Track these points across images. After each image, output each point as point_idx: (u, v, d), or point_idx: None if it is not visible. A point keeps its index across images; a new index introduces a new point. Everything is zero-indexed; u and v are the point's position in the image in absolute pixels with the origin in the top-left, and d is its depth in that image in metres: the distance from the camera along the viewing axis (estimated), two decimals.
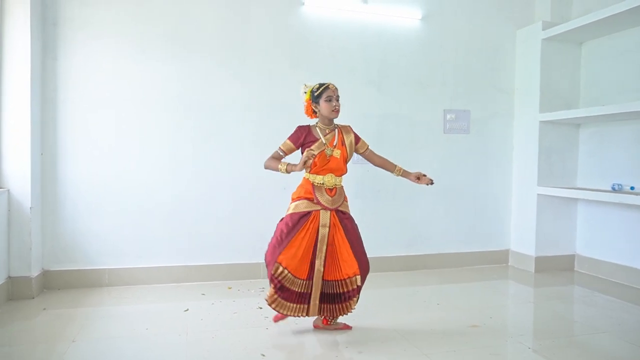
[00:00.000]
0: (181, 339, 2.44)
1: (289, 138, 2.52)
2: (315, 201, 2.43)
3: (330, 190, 2.46)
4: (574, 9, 4.11)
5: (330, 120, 2.52)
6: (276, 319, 2.61)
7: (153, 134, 3.43)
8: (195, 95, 3.50)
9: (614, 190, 3.68)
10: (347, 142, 2.53)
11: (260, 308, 2.90)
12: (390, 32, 3.91)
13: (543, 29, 3.93)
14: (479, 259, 4.21)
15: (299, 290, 2.42)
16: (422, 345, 2.40)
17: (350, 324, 2.62)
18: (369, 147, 2.63)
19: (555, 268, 4.07)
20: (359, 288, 2.45)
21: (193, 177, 3.51)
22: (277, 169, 2.46)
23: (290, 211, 2.46)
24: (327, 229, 2.43)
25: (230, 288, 3.39)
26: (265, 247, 2.50)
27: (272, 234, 2.47)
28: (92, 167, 3.33)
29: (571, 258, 4.13)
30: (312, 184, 2.46)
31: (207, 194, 3.54)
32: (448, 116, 4.08)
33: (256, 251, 3.53)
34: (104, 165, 3.35)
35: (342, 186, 2.52)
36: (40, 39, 3.17)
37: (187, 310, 2.89)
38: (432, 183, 2.57)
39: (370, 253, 3.82)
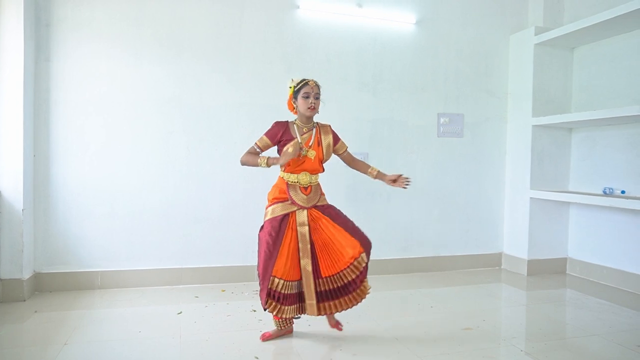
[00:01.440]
0: (174, 342, 2.43)
1: (265, 134, 2.47)
2: (290, 201, 2.41)
3: (305, 188, 2.44)
4: (566, 15, 4.15)
5: (309, 118, 2.48)
6: (264, 338, 2.47)
7: (146, 136, 3.42)
8: (188, 98, 3.49)
9: (605, 194, 3.72)
10: (324, 143, 2.49)
11: (254, 311, 2.89)
12: (384, 37, 3.93)
13: (535, 34, 3.97)
14: (472, 262, 4.23)
15: (295, 292, 2.40)
16: (416, 348, 2.41)
17: (343, 326, 2.61)
18: (348, 149, 2.61)
19: (548, 271, 4.10)
20: (367, 267, 2.39)
21: (186, 179, 3.50)
22: (256, 164, 2.40)
23: (268, 217, 2.42)
24: (306, 227, 2.40)
25: (223, 290, 3.38)
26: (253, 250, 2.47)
27: (258, 245, 2.42)
28: (85, 169, 3.32)
29: (563, 261, 4.17)
30: (287, 183, 2.44)
31: (200, 196, 3.53)
32: (442, 120, 4.11)
33: (249, 253, 3.53)
34: (96, 167, 3.34)
35: (318, 183, 2.51)
36: (33, 40, 3.16)
37: (181, 313, 2.88)
38: (407, 184, 2.49)
39: None
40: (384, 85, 3.95)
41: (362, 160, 2.72)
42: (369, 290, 2.45)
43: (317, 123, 2.54)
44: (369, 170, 2.55)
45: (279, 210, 2.41)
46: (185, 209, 3.50)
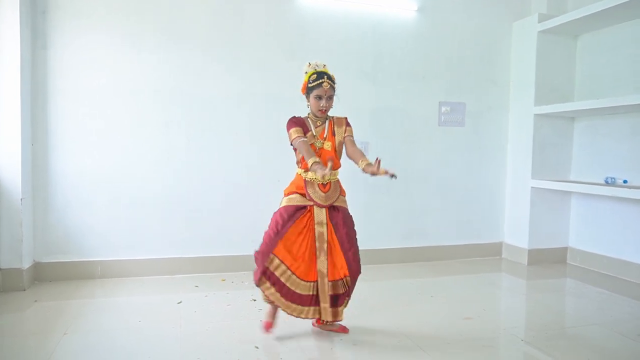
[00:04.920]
0: (174, 331, 2.43)
1: (293, 126, 2.30)
2: (307, 197, 2.31)
3: (324, 185, 2.32)
4: (569, 2, 4.10)
5: (317, 115, 2.38)
6: (267, 328, 2.38)
7: (146, 125, 3.39)
8: (188, 87, 3.46)
9: (607, 183, 3.70)
10: (337, 134, 2.39)
11: (254, 300, 2.89)
12: (386, 24, 3.88)
13: (539, 22, 3.92)
14: (473, 251, 4.22)
15: (308, 293, 2.31)
16: (416, 337, 2.41)
17: (346, 323, 2.57)
18: (352, 137, 2.43)
19: (548, 260, 4.09)
20: (348, 291, 2.34)
21: (186, 169, 3.48)
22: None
23: (284, 204, 2.33)
24: (325, 226, 2.31)
25: (223, 280, 3.38)
26: (259, 240, 2.39)
27: (267, 226, 2.34)
28: (84, 158, 3.29)
29: (564, 251, 4.16)
30: (305, 180, 2.33)
31: (200, 186, 3.52)
32: (443, 109, 4.07)
33: (250, 243, 3.46)
34: (96, 156, 3.31)
35: (337, 180, 2.40)
36: (29, 27, 3.12)
37: (181, 302, 2.88)
38: (386, 172, 2.18)
39: (364, 246, 3.83)
40: (384, 74, 3.90)
41: (362, 150, 2.49)
42: (340, 318, 2.37)
43: (332, 117, 2.44)
44: (360, 161, 2.28)
45: (296, 200, 2.31)
46: (186, 198, 3.49)
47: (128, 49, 3.32)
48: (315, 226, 2.31)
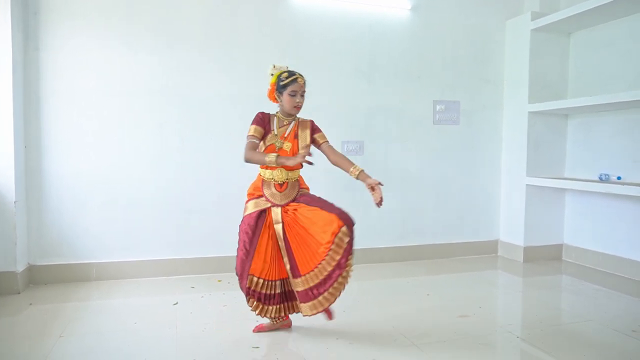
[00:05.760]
0: (170, 333, 2.42)
1: (254, 123, 2.32)
2: (264, 199, 2.31)
3: (280, 185, 2.31)
4: (562, 0, 4.11)
5: (292, 114, 2.36)
6: (256, 329, 2.45)
7: (140, 126, 3.38)
8: (182, 87, 3.45)
9: (601, 180, 3.71)
10: (301, 136, 2.33)
11: None
12: (379, 23, 3.88)
13: (532, 20, 3.93)
14: (469, 249, 4.23)
15: (279, 291, 2.36)
16: (412, 335, 2.41)
17: (338, 316, 2.55)
18: (329, 142, 2.39)
19: (544, 258, 4.11)
20: (351, 243, 2.19)
21: (180, 170, 3.47)
22: (262, 161, 2.20)
23: (246, 212, 2.34)
24: (280, 224, 2.29)
25: (219, 281, 3.37)
26: None
27: (237, 241, 2.34)
28: (78, 159, 3.28)
29: (559, 248, 4.18)
30: (262, 180, 2.33)
31: (195, 186, 3.51)
32: (438, 107, 4.08)
33: None
34: (89, 158, 3.30)
35: (296, 180, 2.35)
36: (21, 28, 3.10)
37: (177, 303, 2.87)
38: (380, 202, 2.20)
39: (360, 244, 3.84)
40: (379, 73, 3.91)
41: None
42: (348, 279, 2.25)
43: (298, 118, 2.40)
44: (351, 169, 2.26)
45: (251, 207, 2.32)
46: (180, 199, 3.48)
47: (122, 49, 3.31)
48: (274, 225, 2.31)
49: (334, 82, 3.80)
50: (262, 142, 2.32)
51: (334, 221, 2.16)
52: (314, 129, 2.39)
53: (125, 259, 3.38)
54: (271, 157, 2.18)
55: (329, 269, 2.19)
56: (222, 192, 3.55)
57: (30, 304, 2.83)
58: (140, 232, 3.41)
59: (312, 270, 2.23)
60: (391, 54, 3.93)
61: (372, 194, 2.22)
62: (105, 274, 3.34)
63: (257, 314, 2.39)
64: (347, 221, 2.19)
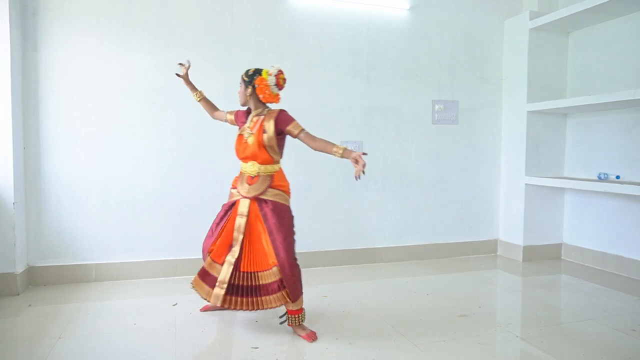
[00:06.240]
0: (170, 334, 2.42)
1: (232, 110, 2.68)
2: (236, 190, 2.46)
3: (252, 178, 2.39)
4: None
5: (255, 105, 2.46)
6: (204, 309, 2.71)
7: (137, 126, 3.38)
8: (179, 88, 3.43)
9: (600, 179, 3.72)
10: (266, 128, 2.36)
11: None
12: (378, 23, 3.88)
13: (530, 19, 3.94)
14: (468, 249, 4.23)
15: (216, 275, 2.42)
16: (412, 335, 2.41)
17: (337, 316, 2.59)
18: (305, 130, 2.37)
19: (543, 257, 4.11)
20: (281, 283, 2.29)
21: (178, 169, 3.47)
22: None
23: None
24: (244, 218, 2.35)
25: None
26: None
27: None
28: (77, 160, 3.27)
29: (558, 247, 4.18)
30: (240, 173, 2.49)
31: (193, 186, 3.50)
32: (436, 107, 4.08)
33: None
34: (88, 159, 3.29)
35: (269, 175, 2.40)
36: (19, 28, 3.09)
37: (176, 304, 2.87)
38: (358, 175, 2.18)
39: (359, 245, 3.91)
40: (377, 72, 3.91)
41: (333, 141, 2.41)
42: (271, 306, 2.30)
43: (268, 110, 2.45)
44: (334, 149, 2.26)
45: (229, 197, 2.51)
46: (179, 199, 3.47)
47: (119, 50, 3.31)
48: (237, 217, 2.39)
49: (332, 82, 3.80)
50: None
51: (272, 258, 2.30)
52: (284, 121, 2.38)
53: (124, 259, 3.38)
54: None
55: (261, 282, 2.32)
56: (220, 191, 3.54)
57: (30, 305, 2.83)
58: (139, 233, 3.40)
59: (251, 272, 2.34)
60: (390, 53, 3.93)
61: (355, 167, 2.19)
62: (105, 275, 3.34)
63: (193, 286, 2.52)
64: (282, 263, 2.28)
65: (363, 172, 2.18)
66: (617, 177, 3.66)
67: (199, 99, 2.80)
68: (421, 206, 4.09)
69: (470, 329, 2.52)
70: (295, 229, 2.42)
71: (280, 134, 2.38)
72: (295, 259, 2.35)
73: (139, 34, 3.34)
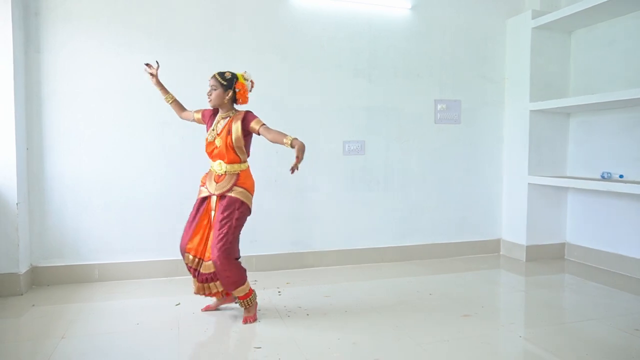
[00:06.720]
0: (173, 334, 2.42)
1: (202, 110, 2.72)
2: (205, 187, 2.56)
3: (219, 176, 2.51)
4: None
5: (226, 107, 2.56)
6: (205, 309, 2.75)
7: (140, 127, 3.38)
8: (181, 88, 3.42)
9: (603, 178, 3.70)
10: (233, 129, 2.49)
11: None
12: (379, 22, 3.88)
13: (533, 18, 3.92)
14: (471, 248, 4.23)
15: (214, 271, 2.53)
16: (415, 335, 2.41)
17: (340, 315, 2.59)
18: (264, 125, 2.47)
19: (546, 256, 4.10)
20: (214, 275, 2.49)
21: (180, 169, 3.47)
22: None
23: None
24: (213, 212, 2.53)
25: None
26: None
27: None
28: (79, 161, 3.28)
29: (561, 246, 4.17)
30: (209, 171, 2.59)
31: (195, 186, 3.47)
32: (439, 106, 4.08)
33: (246, 244, 3.49)
34: (91, 159, 3.30)
35: (235, 173, 2.52)
36: (22, 29, 3.10)
37: (179, 304, 2.87)
38: (294, 168, 2.30)
39: (362, 244, 3.90)
40: (379, 72, 3.90)
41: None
42: (212, 292, 2.57)
43: (235, 112, 2.57)
44: (284, 140, 2.34)
45: (200, 193, 2.60)
46: (182, 200, 3.47)
47: (120, 50, 3.31)
48: (211, 212, 2.54)
49: (334, 82, 3.80)
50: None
51: (210, 253, 2.47)
52: (248, 119, 2.50)
53: (127, 260, 3.38)
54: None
55: (210, 270, 2.51)
56: None
57: (33, 305, 2.84)
58: (142, 233, 3.41)
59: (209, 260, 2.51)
60: (391, 53, 3.93)
61: (296, 159, 2.31)
62: (108, 275, 3.34)
63: (200, 294, 2.61)
64: (213, 258, 2.42)
65: (297, 168, 2.31)
66: (621, 176, 3.64)
67: (170, 102, 2.81)
68: (423, 206, 4.09)
69: (473, 328, 2.51)
70: (243, 224, 2.53)
71: (247, 134, 2.52)
72: (231, 254, 2.45)
73: (139, 34, 3.35)
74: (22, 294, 3.02)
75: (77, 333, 2.42)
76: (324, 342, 2.34)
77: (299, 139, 2.34)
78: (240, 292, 2.51)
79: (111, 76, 3.31)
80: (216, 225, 2.45)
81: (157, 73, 2.76)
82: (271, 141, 2.44)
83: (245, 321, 2.55)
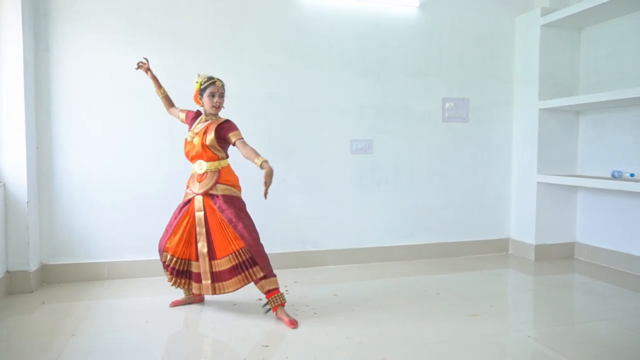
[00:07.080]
0: (181, 331, 2.43)
1: (183, 109, 2.79)
2: (189, 189, 2.62)
3: (201, 175, 2.57)
4: None
5: (212, 114, 2.62)
6: (173, 304, 2.79)
7: (148, 125, 3.40)
8: (188, 87, 3.43)
9: (613, 177, 3.67)
10: (210, 130, 2.56)
11: (260, 300, 2.89)
12: (387, 21, 3.86)
13: (542, 15, 3.89)
14: (479, 247, 4.20)
15: (196, 271, 2.61)
16: (423, 334, 2.40)
17: (348, 315, 2.59)
18: (241, 139, 2.55)
19: (555, 256, 4.07)
20: (253, 259, 2.49)
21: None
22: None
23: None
24: (202, 212, 2.54)
25: None
26: (264, 238, 2.51)
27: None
28: (89, 159, 3.31)
29: (571, 246, 4.13)
30: (191, 174, 2.65)
31: None
32: (447, 105, 4.05)
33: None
34: (100, 158, 3.33)
35: (216, 171, 2.58)
36: (32, 29, 3.13)
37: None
38: (265, 194, 2.42)
39: (370, 243, 3.90)
40: (387, 71, 3.89)
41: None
42: (257, 276, 2.51)
43: (217, 117, 2.63)
44: (256, 160, 2.41)
45: (183, 197, 2.67)
46: None
47: (128, 49, 3.32)
48: (195, 212, 2.56)
49: (342, 81, 3.79)
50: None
51: (237, 240, 2.49)
52: (227, 128, 2.57)
53: (136, 258, 3.40)
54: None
55: (238, 261, 2.50)
56: None
57: (43, 303, 2.87)
58: (150, 231, 3.41)
59: (227, 256, 2.51)
60: (399, 51, 3.91)
61: (265, 185, 2.40)
62: (117, 272, 3.37)
63: (172, 285, 2.68)
64: (249, 243, 2.48)
65: (266, 194, 2.41)
66: (632, 174, 3.60)
67: (162, 95, 2.86)
68: (432, 204, 4.07)
69: (481, 328, 2.50)
70: (249, 214, 2.62)
71: (221, 139, 2.57)
72: (259, 239, 2.55)
73: (148, 33, 3.36)
74: (32, 292, 3.05)
75: (86, 330, 2.44)
76: (331, 340, 2.33)
77: (268, 162, 2.40)
78: (272, 283, 2.54)
79: (119, 75, 3.32)
80: (231, 218, 2.49)
81: (148, 66, 2.82)
82: (244, 157, 2.51)
83: (292, 325, 2.49)
